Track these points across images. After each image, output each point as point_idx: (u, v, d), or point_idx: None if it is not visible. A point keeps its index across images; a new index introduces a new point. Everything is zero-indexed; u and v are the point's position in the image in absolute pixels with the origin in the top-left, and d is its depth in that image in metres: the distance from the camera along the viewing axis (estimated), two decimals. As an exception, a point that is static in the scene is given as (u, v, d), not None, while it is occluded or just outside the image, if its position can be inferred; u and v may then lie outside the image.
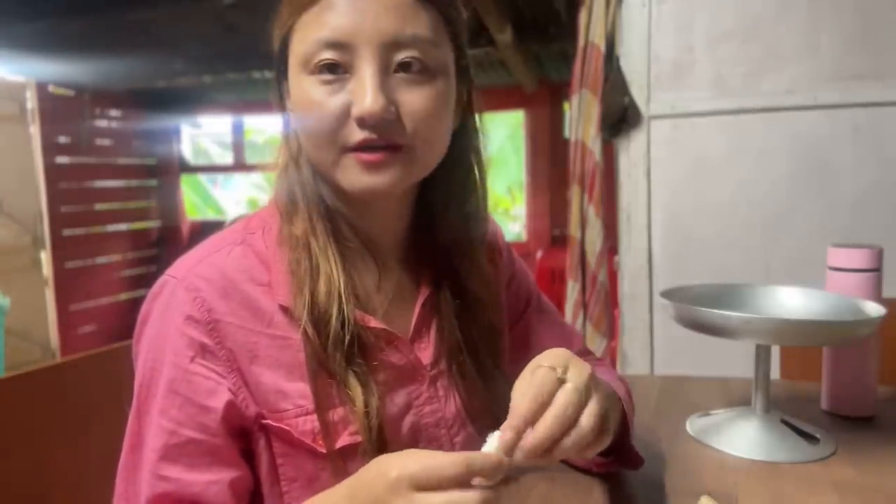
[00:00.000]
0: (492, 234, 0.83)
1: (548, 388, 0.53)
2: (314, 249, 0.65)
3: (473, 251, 0.75)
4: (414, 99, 0.62)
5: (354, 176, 0.63)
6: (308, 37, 0.62)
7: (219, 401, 0.62)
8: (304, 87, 0.62)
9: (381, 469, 0.49)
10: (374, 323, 0.67)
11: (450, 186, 0.72)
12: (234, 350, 0.63)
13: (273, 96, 0.70)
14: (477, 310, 0.74)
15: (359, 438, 0.63)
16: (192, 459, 0.61)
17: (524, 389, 0.54)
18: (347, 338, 0.63)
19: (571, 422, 0.53)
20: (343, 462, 0.64)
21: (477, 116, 0.73)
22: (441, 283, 0.74)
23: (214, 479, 0.61)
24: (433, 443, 0.70)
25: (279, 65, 0.68)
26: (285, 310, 0.65)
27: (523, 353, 0.83)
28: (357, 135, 0.61)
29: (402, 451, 0.50)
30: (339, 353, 0.63)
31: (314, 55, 0.61)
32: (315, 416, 0.63)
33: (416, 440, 0.69)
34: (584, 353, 0.85)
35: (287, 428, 0.63)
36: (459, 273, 0.74)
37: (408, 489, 0.47)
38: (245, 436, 0.64)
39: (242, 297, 0.64)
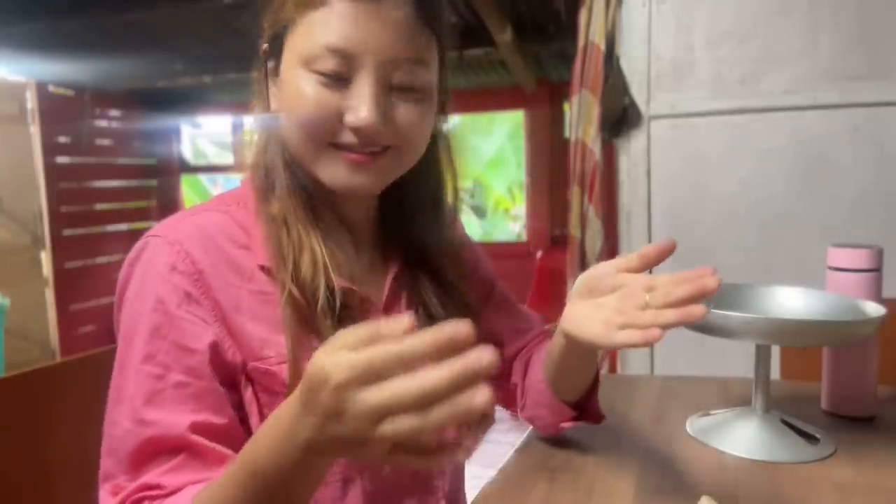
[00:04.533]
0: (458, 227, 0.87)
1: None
2: (294, 224, 0.68)
3: (443, 236, 0.79)
4: (403, 114, 0.66)
5: (337, 173, 0.67)
6: (314, 38, 0.64)
7: (203, 343, 0.62)
8: (301, 83, 0.65)
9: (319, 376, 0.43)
10: (349, 285, 0.69)
11: (421, 178, 0.75)
12: (219, 300, 0.65)
13: (257, 79, 0.73)
14: (449, 287, 0.77)
15: None
16: (177, 404, 0.60)
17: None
18: (338, 305, 0.66)
19: None
20: None
21: (447, 119, 0.77)
22: (411, 264, 0.77)
23: (200, 420, 0.60)
24: None
25: (271, 49, 0.70)
26: (265, 269, 0.67)
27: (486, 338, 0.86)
28: (346, 137, 0.65)
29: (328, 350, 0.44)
30: (329, 319, 0.65)
31: (318, 58, 0.64)
32: (295, 366, 0.64)
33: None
34: (546, 333, 0.88)
35: (274, 370, 0.64)
36: (430, 255, 0.77)
37: (353, 387, 0.41)
38: (232, 388, 0.65)
39: (222, 253, 0.67)
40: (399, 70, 0.65)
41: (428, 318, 0.74)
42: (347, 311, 0.67)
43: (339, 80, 0.64)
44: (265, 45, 0.71)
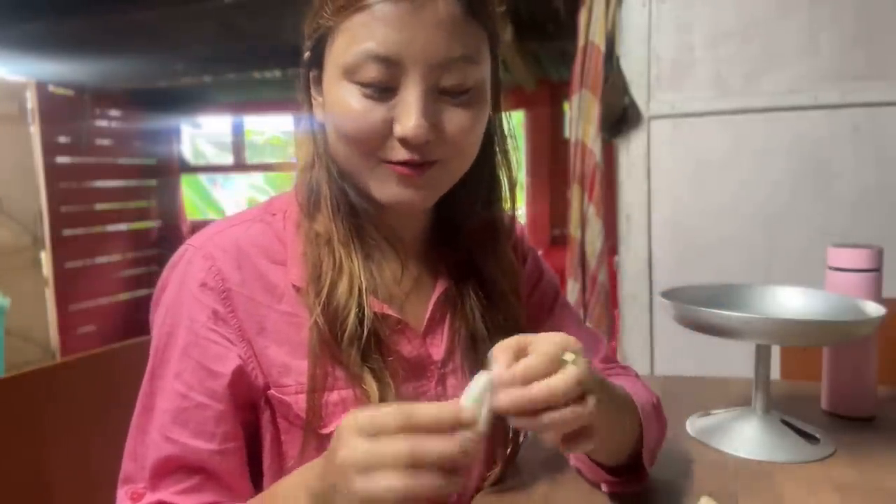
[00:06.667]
0: (518, 235, 0.83)
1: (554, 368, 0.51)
2: (336, 246, 0.66)
3: (498, 245, 0.75)
4: (455, 120, 0.62)
5: (389, 188, 0.64)
6: (355, 46, 0.60)
7: (227, 367, 0.63)
8: (345, 95, 0.62)
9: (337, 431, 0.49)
10: (387, 310, 0.67)
11: (474, 183, 0.72)
12: (244, 320, 0.64)
13: (300, 89, 0.69)
14: (500, 303, 0.74)
15: None
16: (199, 426, 0.62)
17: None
18: (365, 333, 0.64)
19: (562, 400, 0.50)
20: None
21: (504, 116, 0.73)
22: (462, 278, 0.73)
23: (218, 448, 0.62)
24: None
25: (312, 58, 0.66)
26: (298, 289, 0.66)
27: None
28: (399, 152, 0.62)
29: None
30: (354, 348, 0.64)
31: (360, 67, 0.60)
32: (313, 396, 0.64)
33: None
34: (609, 360, 0.84)
35: (289, 401, 0.64)
36: (483, 267, 0.73)
37: (350, 435, 0.46)
38: (252, 409, 0.65)
39: (255, 270, 0.66)
40: (448, 72, 0.60)
41: (470, 340, 0.71)
42: (379, 340, 0.65)
43: (385, 89, 0.60)
44: (307, 53, 0.67)
